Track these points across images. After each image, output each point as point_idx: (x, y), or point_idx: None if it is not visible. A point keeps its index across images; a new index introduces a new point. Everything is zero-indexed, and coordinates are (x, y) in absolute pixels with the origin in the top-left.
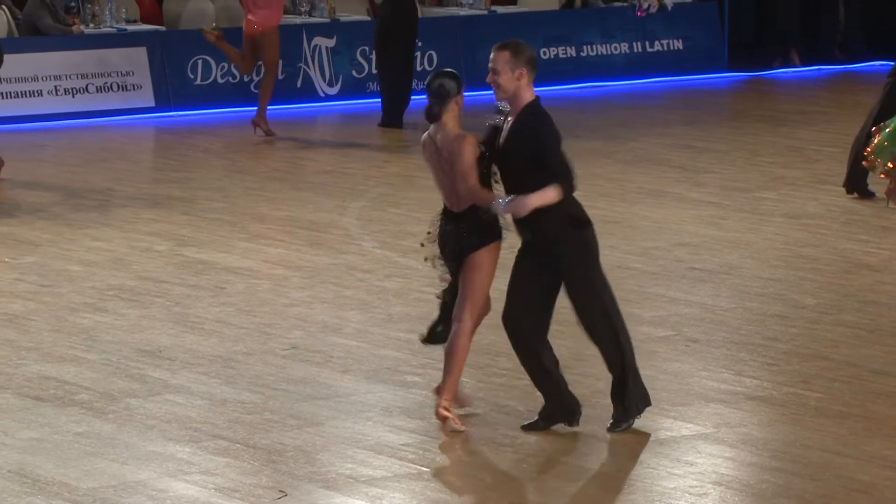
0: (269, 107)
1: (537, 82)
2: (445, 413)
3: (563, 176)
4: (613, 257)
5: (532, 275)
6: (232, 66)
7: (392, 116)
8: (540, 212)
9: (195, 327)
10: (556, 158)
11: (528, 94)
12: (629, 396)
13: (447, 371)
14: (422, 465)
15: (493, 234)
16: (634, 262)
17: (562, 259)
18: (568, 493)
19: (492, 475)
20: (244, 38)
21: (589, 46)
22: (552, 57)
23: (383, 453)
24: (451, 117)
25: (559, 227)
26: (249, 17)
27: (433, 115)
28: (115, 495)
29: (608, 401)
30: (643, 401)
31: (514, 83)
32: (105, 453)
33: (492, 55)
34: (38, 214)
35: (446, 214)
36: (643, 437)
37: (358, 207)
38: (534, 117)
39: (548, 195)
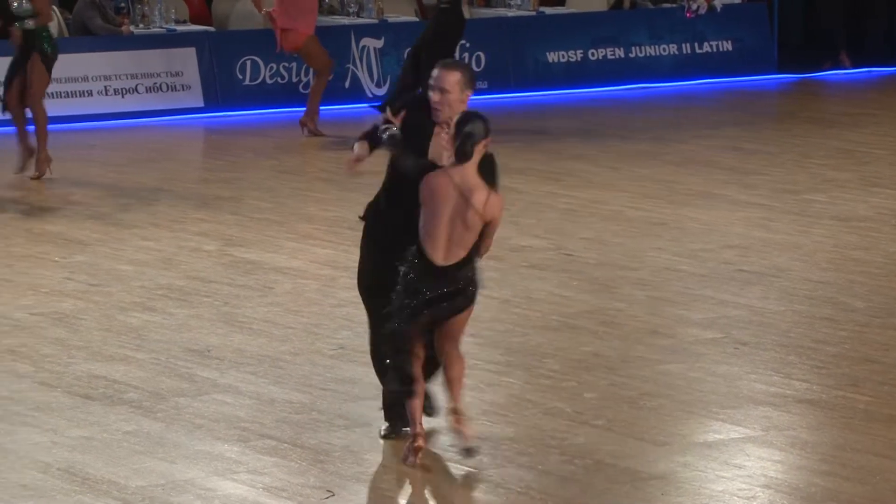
0: (320, 107)
1: (586, 83)
2: (457, 425)
3: None
4: (661, 259)
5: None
6: (280, 66)
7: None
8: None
9: (243, 327)
10: None
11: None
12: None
13: (452, 385)
14: (469, 467)
15: (476, 291)
16: (682, 264)
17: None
18: (615, 494)
19: (538, 476)
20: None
21: (637, 48)
22: (600, 58)
23: (429, 453)
24: (475, 161)
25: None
26: (280, 37)
27: (466, 155)
28: (164, 494)
29: (656, 403)
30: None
31: (458, 105)
32: (154, 452)
33: (437, 73)
34: (88, 214)
35: (427, 266)
36: (692, 439)
37: None
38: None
39: None
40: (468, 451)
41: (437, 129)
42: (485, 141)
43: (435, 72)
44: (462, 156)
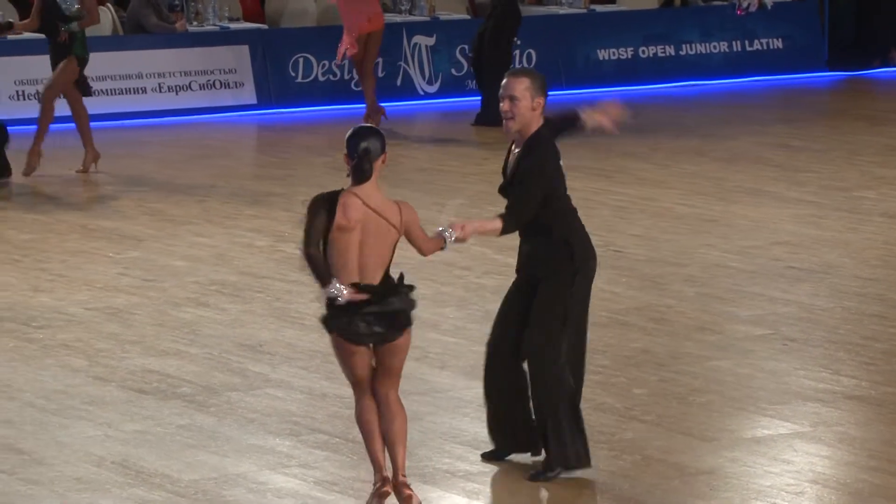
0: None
1: (637, 80)
2: (409, 492)
3: (512, 212)
4: (710, 256)
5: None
6: (333, 64)
7: (492, 114)
8: (547, 250)
9: (295, 322)
10: (522, 191)
11: (537, 122)
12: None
13: (400, 446)
14: (518, 461)
15: (409, 319)
16: (732, 260)
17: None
18: (664, 489)
19: (588, 471)
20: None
21: (688, 45)
22: (651, 56)
23: (480, 448)
24: (376, 177)
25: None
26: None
27: (365, 174)
28: (216, 487)
29: (705, 399)
30: (577, 460)
31: (530, 113)
32: (206, 446)
33: (506, 81)
34: (142, 210)
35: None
36: (740, 435)
37: (456, 205)
38: (533, 147)
39: (489, 226)
40: None
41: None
42: (383, 156)
43: (504, 80)
44: (361, 174)
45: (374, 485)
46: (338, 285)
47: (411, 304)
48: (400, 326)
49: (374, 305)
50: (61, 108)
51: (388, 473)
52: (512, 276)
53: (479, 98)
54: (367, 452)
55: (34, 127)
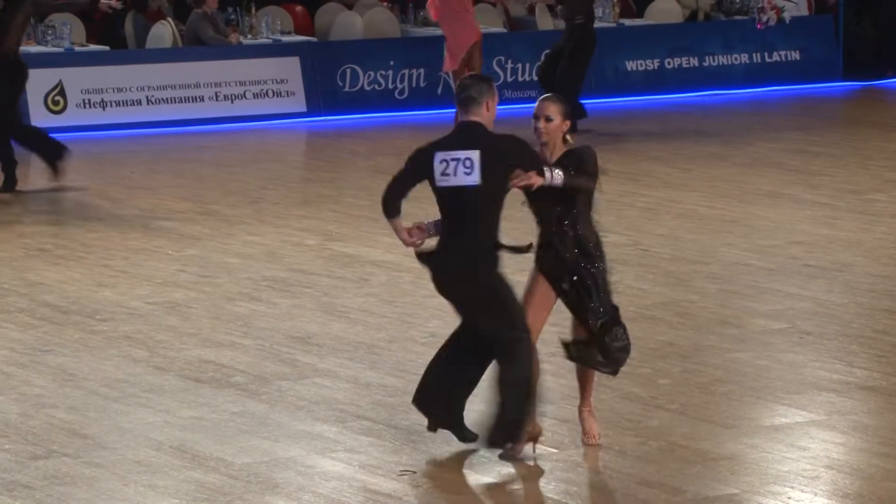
0: (414, 112)
1: (663, 90)
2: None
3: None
4: (731, 254)
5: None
6: (378, 74)
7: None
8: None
9: (341, 316)
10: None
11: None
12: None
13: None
14: (551, 447)
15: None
16: (751, 258)
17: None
18: (687, 474)
19: (615, 456)
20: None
21: (711, 57)
22: (676, 66)
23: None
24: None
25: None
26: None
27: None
28: (268, 470)
29: (726, 388)
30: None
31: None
32: (258, 431)
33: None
34: (199, 211)
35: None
36: (759, 423)
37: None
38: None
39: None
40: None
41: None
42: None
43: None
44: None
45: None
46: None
47: None
48: None
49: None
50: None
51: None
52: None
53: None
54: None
55: (99, 133)
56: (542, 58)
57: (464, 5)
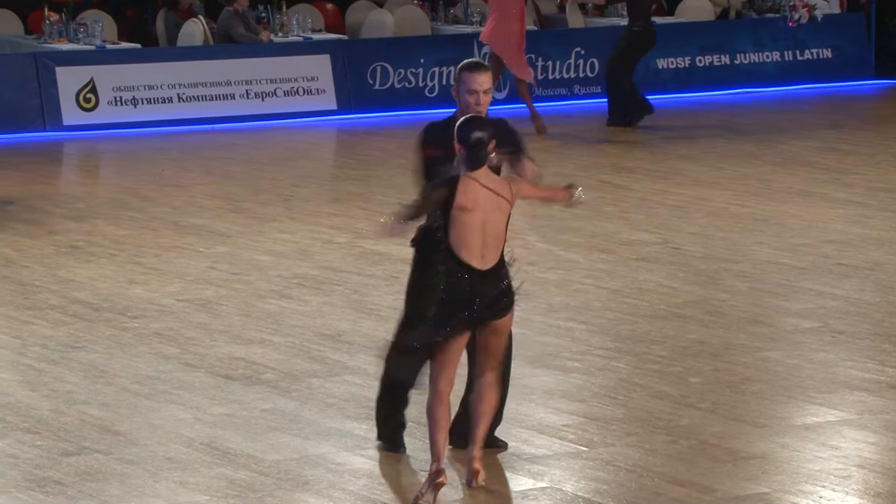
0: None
1: (694, 88)
2: (477, 466)
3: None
4: (763, 253)
5: None
6: (408, 72)
7: (623, 117)
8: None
9: (372, 313)
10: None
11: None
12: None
13: (479, 423)
14: (580, 445)
15: (514, 298)
16: (783, 257)
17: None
18: (718, 472)
19: (645, 455)
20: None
21: (742, 55)
22: (707, 64)
23: (545, 433)
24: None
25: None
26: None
27: (480, 161)
28: (298, 467)
29: (757, 387)
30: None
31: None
32: (289, 428)
33: (481, 78)
34: (230, 208)
35: (469, 272)
36: (791, 422)
37: (522, 204)
38: (494, 120)
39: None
40: (469, 484)
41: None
42: (492, 143)
43: (467, 74)
44: (477, 162)
45: (430, 474)
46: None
47: (512, 289)
48: (505, 307)
49: (488, 286)
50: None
51: (444, 465)
52: (574, 271)
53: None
54: (430, 441)
55: (130, 131)
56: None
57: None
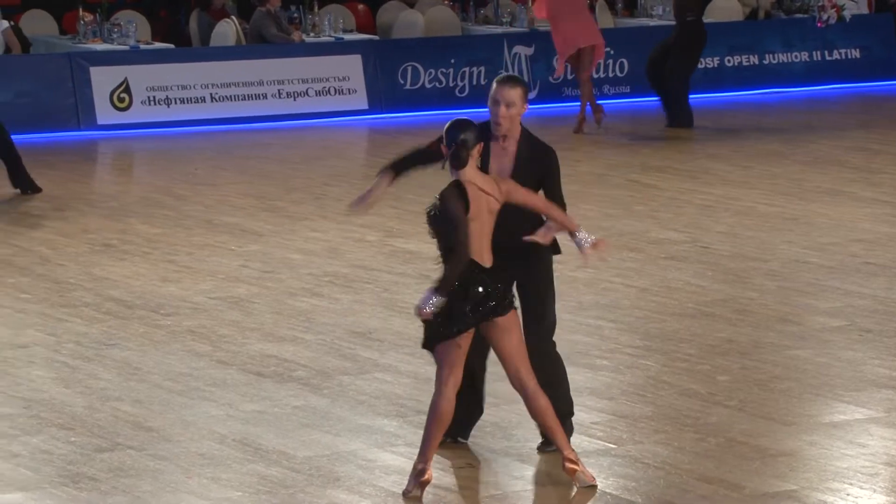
0: (474, 109)
1: (722, 88)
2: (573, 466)
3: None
4: (791, 252)
5: None
6: (438, 72)
7: (681, 118)
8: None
9: (402, 311)
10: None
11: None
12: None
13: (552, 433)
14: (609, 442)
15: (512, 296)
16: (811, 256)
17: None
18: (746, 469)
19: (674, 452)
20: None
21: (771, 55)
22: (736, 64)
23: (575, 430)
24: (473, 163)
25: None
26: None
27: (462, 162)
28: (329, 464)
29: (785, 385)
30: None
31: (518, 119)
32: (320, 425)
33: (505, 91)
34: (262, 207)
35: (477, 268)
36: (818, 420)
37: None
38: (540, 144)
39: (573, 221)
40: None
41: (503, 144)
42: (478, 146)
43: (495, 86)
44: (459, 161)
45: (416, 472)
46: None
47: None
48: (510, 303)
49: (494, 280)
50: (186, 112)
51: (430, 465)
52: (603, 270)
53: (661, 102)
54: (425, 438)
55: (163, 130)
56: (651, 53)
57: (578, 6)
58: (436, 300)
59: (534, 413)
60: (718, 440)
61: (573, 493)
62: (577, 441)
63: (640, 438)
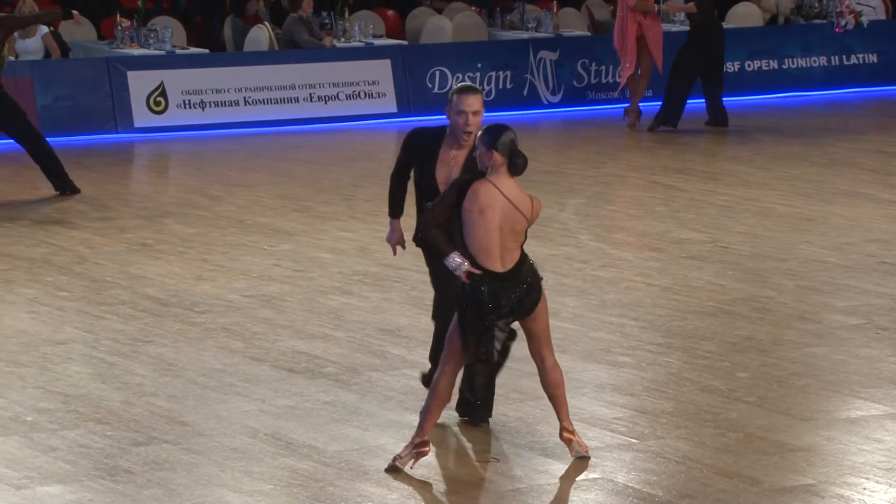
0: (501, 113)
1: (742, 91)
2: (570, 436)
3: None
4: (809, 251)
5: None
6: (466, 76)
7: (720, 116)
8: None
9: (429, 309)
10: None
11: None
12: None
13: (559, 404)
14: (631, 437)
15: (540, 281)
16: (829, 256)
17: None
18: (765, 464)
19: (694, 447)
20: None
21: (790, 59)
22: (756, 69)
23: (596, 426)
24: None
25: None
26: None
27: (518, 168)
28: (358, 458)
29: (803, 382)
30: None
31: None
32: (349, 420)
33: (470, 99)
34: (293, 207)
35: (490, 276)
36: (836, 415)
37: (576, 204)
38: None
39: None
40: (583, 458)
41: (453, 153)
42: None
43: (457, 97)
44: (516, 169)
45: (415, 444)
46: (456, 259)
47: (537, 279)
48: (534, 301)
49: (508, 287)
50: (220, 115)
51: (429, 438)
52: (626, 269)
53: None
54: (423, 415)
55: (198, 133)
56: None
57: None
58: (452, 263)
59: (546, 385)
60: (738, 435)
61: (596, 487)
62: (600, 436)
63: (661, 433)
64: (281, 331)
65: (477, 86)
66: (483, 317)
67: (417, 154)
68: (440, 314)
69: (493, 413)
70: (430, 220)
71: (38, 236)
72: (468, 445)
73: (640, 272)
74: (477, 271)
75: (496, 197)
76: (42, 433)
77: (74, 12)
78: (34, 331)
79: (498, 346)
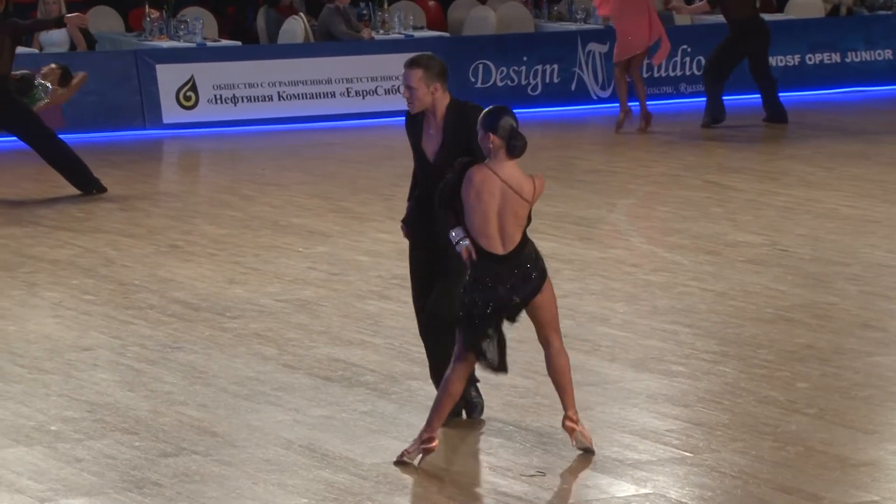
0: (547, 108)
1: (803, 87)
2: (573, 425)
3: None
4: (874, 255)
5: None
6: (510, 70)
7: (715, 114)
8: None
9: None
10: None
11: (445, 99)
12: None
13: (563, 391)
14: (685, 451)
15: (544, 264)
16: (894, 260)
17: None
18: (826, 480)
19: (751, 461)
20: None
21: (853, 53)
22: (817, 62)
23: (648, 438)
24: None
25: None
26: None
27: (518, 150)
28: (396, 471)
29: (867, 393)
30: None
31: (429, 97)
32: (388, 431)
33: (406, 73)
34: (329, 208)
35: (490, 259)
36: None
37: (626, 205)
38: (464, 110)
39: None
40: (587, 451)
41: (432, 128)
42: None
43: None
44: (514, 151)
45: (423, 439)
46: (460, 232)
47: (539, 266)
48: (536, 288)
49: (510, 269)
50: (253, 110)
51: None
52: (679, 273)
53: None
54: (433, 410)
55: (230, 129)
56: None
57: (640, 7)
58: (456, 236)
59: (550, 370)
60: (797, 449)
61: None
62: (652, 449)
63: (716, 447)
64: (316, 337)
65: (427, 56)
66: (481, 322)
67: (412, 136)
68: (425, 333)
69: (540, 424)
70: (438, 199)
71: (62, 237)
72: (514, 458)
73: (695, 276)
74: (472, 256)
75: (493, 182)
76: (67, 443)
77: (69, 15)
78: (58, 336)
79: (494, 351)
